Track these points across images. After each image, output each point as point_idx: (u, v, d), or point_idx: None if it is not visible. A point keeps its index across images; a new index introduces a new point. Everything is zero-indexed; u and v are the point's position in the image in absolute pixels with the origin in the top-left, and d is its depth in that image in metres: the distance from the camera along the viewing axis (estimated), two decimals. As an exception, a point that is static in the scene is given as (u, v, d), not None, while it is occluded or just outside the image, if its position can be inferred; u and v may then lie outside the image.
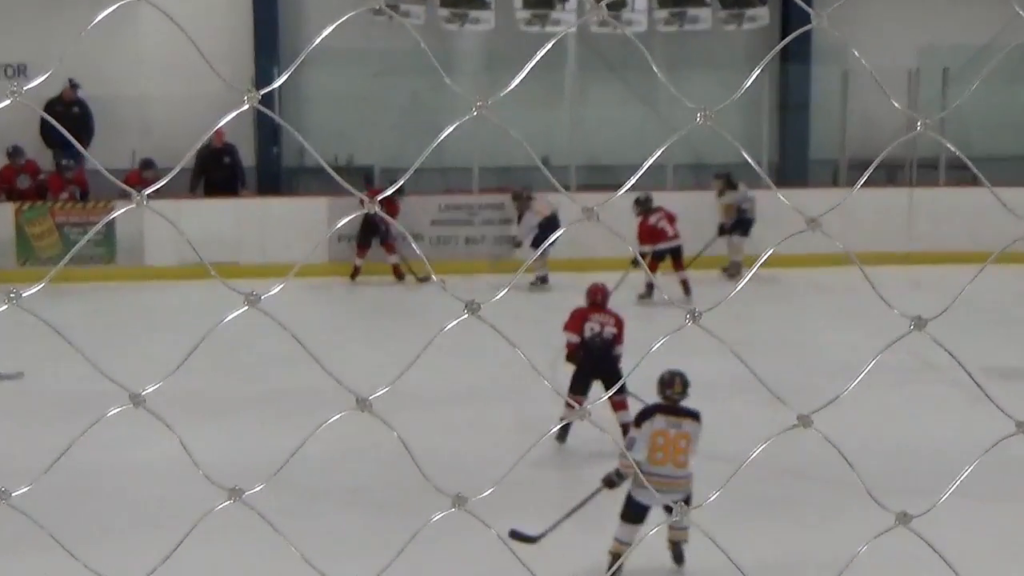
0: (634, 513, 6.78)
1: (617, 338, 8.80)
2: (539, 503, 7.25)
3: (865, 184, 1.63)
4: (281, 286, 1.28)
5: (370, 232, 14.79)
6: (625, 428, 8.07)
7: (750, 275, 1.49)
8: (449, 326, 1.36)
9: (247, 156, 16.54)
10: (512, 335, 1.43)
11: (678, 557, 6.90)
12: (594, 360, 8.69)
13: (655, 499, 6.63)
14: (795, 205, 1.45)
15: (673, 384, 6.85)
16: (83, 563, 1.38)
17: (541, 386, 8.69)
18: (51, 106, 15.46)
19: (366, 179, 15.81)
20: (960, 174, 16.77)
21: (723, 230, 15.02)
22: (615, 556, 6.80)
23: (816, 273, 13.89)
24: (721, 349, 1.53)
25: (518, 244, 14.96)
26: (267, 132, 16.89)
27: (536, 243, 14.39)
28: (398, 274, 14.90)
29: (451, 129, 1.31)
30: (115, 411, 1.29)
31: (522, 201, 14.88)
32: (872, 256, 13.75)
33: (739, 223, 14.95)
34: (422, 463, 1.44)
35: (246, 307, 1.27)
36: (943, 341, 1.55)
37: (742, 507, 6.51)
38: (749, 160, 1.55)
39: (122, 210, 1.63)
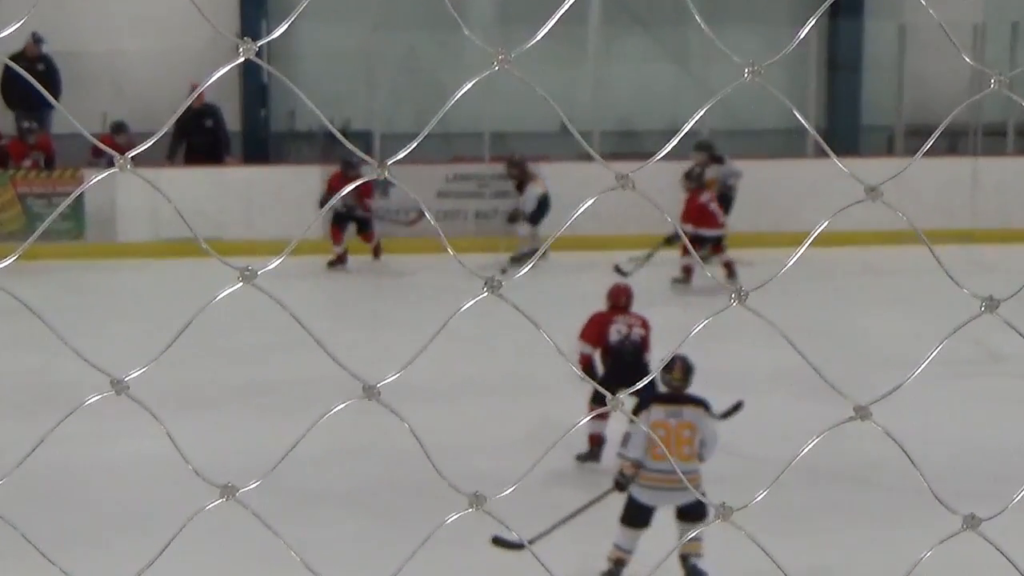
0: (636, 516, 6.70)
1: (645, 342, 8.63)
2: (556, 516, 7.16)
3: (924, 153, 1.62)
4: (280, 260, 1.28)
5: (345, 216, 14.35)
6: None
7: (801, 251, 1.49)
8: (467, 305, 1.37)
9: (231, 119, 16.49)
10: (525, 323, 1.43)
11: (694, 574, 6.59)
12: (624, 367, 8.34)
13: (660, 500, 6.60)
14: (844, 176, 1.45)
15: (672, 369, 6.65)
16: (60, 568, 1.39)
17: (559, 381, 8.67)
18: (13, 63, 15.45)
19: (365, 147, 15.75)
20: (1030, 142, 16.70)
21: None
22: (616, 563, 6.75)
23: (859, 253, 13.86)
24: (756, 338, 1.53)
25: (525, 218, 14.68)
26: (254, 92, 16.87)
27: (535, 219, 14.37)
28: (375, 252, 14.59)
29: (470, 85, 1.31)
30: (95, 399, 1.30)
31: (522, 169, 14.75)
32: (931, 233, 13.60)
33: (721, 199, 14.79)
34: (429, 462, 1.45)
35: (240, 283, 1.27)
36: (1012, 328, 1.55)
37: (776, 513, 6.48)
38: (803, 121, 1.55)
39: (98, 177, 1.64)
